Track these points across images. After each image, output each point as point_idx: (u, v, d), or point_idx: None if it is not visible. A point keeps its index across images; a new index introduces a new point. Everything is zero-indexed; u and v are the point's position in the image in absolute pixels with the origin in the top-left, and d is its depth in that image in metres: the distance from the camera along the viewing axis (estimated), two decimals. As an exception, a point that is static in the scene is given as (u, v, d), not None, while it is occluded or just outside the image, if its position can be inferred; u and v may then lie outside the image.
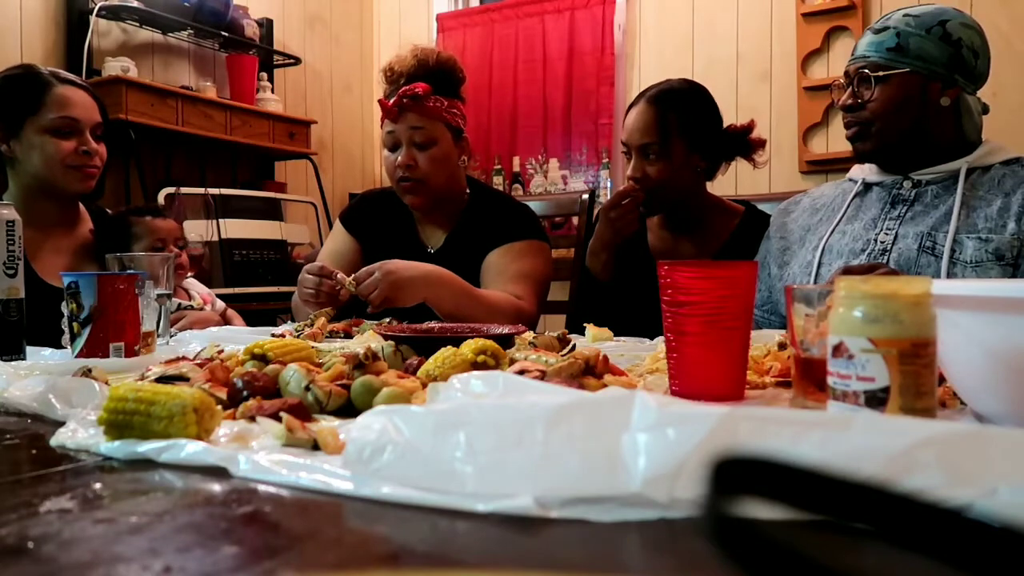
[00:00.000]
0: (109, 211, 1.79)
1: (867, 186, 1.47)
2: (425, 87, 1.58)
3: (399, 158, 1.62)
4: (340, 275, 1.42)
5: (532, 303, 1.64)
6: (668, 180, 1.61)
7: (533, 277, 1.66)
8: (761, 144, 1.71)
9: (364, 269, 1.40)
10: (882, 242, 1.34)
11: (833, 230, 1.43)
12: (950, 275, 1.25)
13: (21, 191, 1.57)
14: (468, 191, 1.76)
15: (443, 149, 1.63)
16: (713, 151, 1.66)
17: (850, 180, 1.53)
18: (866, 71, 1.38)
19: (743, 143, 1.69)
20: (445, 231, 1.74)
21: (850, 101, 1.42)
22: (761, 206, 1.76)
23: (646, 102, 1.63)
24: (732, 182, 3.30)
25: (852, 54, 1.45)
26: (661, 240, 1.73)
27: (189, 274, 1.90)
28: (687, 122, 1.62)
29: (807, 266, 1.43)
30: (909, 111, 1.37)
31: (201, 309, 1.78)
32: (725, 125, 1.70)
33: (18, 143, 1.55)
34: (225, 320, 1.82)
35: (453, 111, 1.64)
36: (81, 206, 1.69)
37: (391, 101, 1.60)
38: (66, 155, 1.53)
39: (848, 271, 1.10)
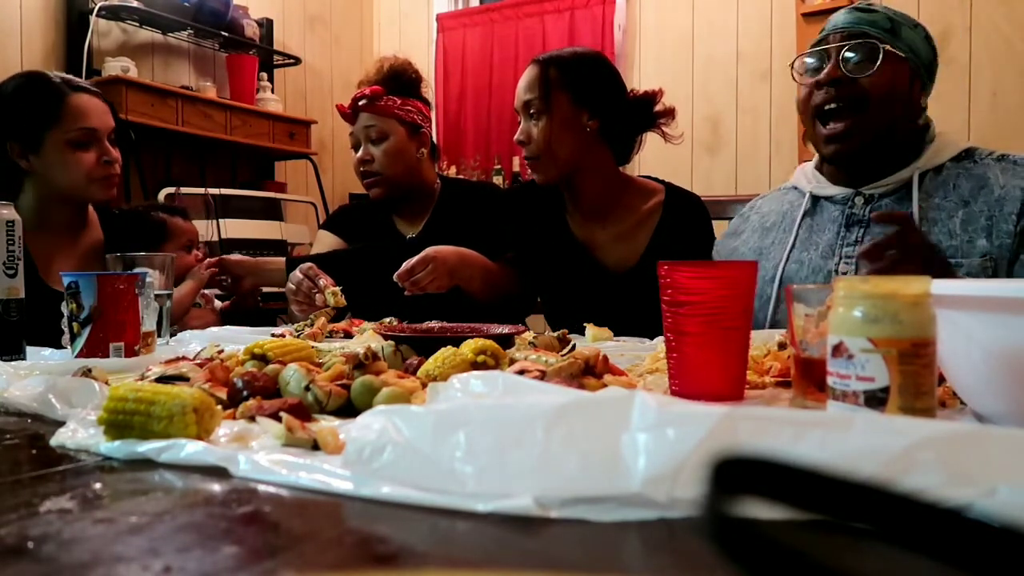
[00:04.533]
0: (116, 210, 1.79)
1: (814, 199, 1.33)
2: (376, 89, 1.75)
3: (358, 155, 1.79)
4: (323, 281, 1.47)
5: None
6: (551, 138, 1.51)
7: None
8: (670, 114, 1.59)
9: (417, 261, 1.44)
10: (843, 273, 1.22)
11: (788, 258, 1.31)
12: None
13: (37, 199, 1.56)
14: (439, 185, 1.89)
15: (396, 143, 1.76)
16: (606, 111, 1.55)
17: (795, 189, 1.40)
18: (871, 41, 1.20)
19: (646, 113, 1.59)
20: (421, 222, 1.85)
21: (839, 73, 1.21)
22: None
23: (531, 64, 1.59)
24: (732, 182, 3.31)
25: (831, 26, 1.26)
26: (579, 226, 1.64)
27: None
28: (571, 77, 1.53)
29: (766, 301, 1.31)
30: (899, 101, 1.22)
31: (198, 306, 1.80)
32: (661, 103, 1.61)
33: (38, 158, 1.52)
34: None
35: (407, 108, 1.77)
36: (90, 208, 1.69)
37: (348, 106, 1.79)
38: (91, 168, 1.53)
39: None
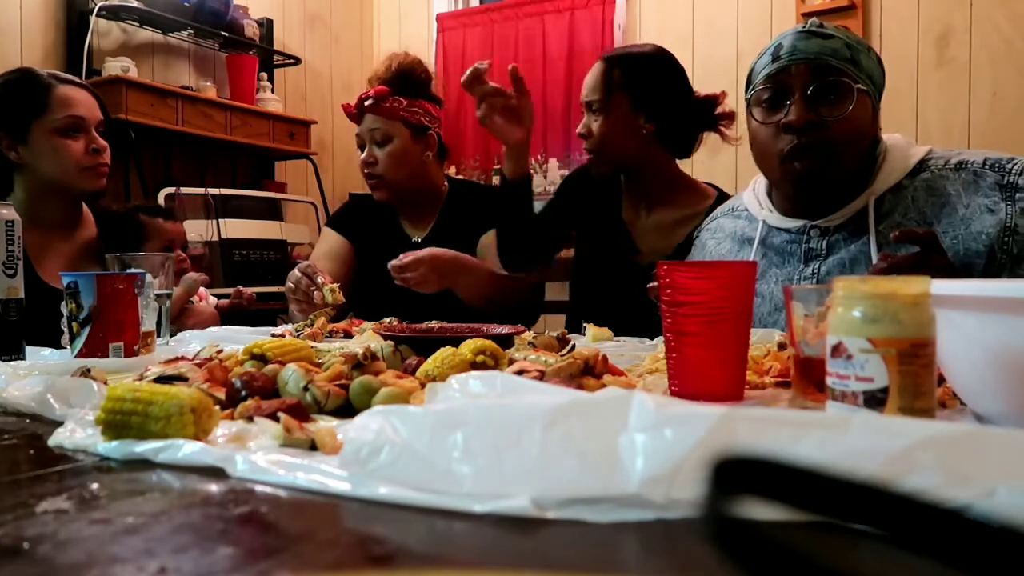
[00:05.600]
0: (114, 206, 1.80)
1: (768, 227, 1.28)
2: (382, 90, 1.73)
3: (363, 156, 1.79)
4: (322, 279, 1.47)
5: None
6: (607, 136, 1.57)
7: None
8: (730, 117, 1.64)
9: (412, 259, 1.45)
10: None
11: None
12: None
13: (28, 194, 1.57)
14: (447, 186, 1.88)
15: (400, 145, 1.75)
16: (664, 115, 1.58)
17: (747, 212, 1.35)
18: (845, 80, 1.11)
19: (707, 115, 1.64)
20: (428, 224, 1.85)
21: (811, 117, 1.11)
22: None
23: (600, 60, 1.63)
24: (732, 182, 3.30)
25: (788, 54, 1.15)
26: (628, 210, 1.69)
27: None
28: (633, 80, 1.57)
29: None
30: (866, 137, 1.15)
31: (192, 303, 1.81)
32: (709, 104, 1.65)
33: (27, 149, 1.54)
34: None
35: (413, 109, 1.76)
36: (84, 206, 1.69)
37: (354, 106, 1.76)
38: (79, 156, 1.54)
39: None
